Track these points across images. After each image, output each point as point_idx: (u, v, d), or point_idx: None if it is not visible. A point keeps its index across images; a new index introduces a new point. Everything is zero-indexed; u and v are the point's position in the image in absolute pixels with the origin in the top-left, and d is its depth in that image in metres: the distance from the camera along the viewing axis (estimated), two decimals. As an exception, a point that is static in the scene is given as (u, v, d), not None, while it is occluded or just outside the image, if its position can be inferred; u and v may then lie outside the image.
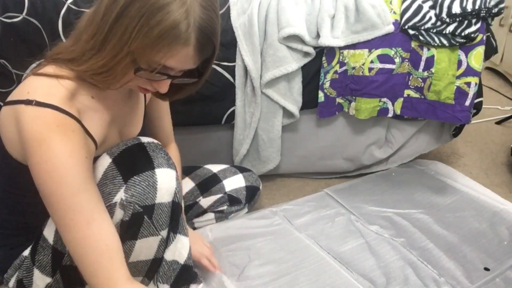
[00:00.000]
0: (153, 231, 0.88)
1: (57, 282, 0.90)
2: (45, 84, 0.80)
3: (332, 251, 1.24)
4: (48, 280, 0.90)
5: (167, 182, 0.86)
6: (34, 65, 1.34)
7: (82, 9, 1.30)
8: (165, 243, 0.93)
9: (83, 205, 0.77)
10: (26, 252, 0.91)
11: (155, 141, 0.90)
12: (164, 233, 0.91)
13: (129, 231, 0.86)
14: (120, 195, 0.83)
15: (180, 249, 0.96)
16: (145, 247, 0.90)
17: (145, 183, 0.84)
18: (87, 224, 0.77)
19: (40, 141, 0.74)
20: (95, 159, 0.86)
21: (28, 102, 0.77)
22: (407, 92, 1.46)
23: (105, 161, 0.85)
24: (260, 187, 1.39)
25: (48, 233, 0.88)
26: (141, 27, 0.73)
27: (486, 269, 1.17)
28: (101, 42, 0.77)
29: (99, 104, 0.88)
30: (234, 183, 1.32)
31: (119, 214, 0.84)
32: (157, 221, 0.88)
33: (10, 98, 0.81)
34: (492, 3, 1.35)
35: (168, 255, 0.95)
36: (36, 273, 0.90)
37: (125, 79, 0.80)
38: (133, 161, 0.85)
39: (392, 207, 1.43)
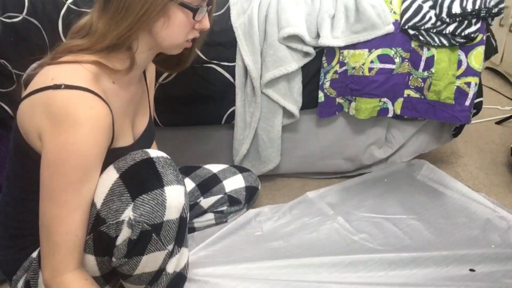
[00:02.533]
0: (160, 246, 0.87)
1: None
2: (69, 69, 0.81)
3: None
4: None
5: (176, 199, 0.85)
6: (34, 65, 1.35)
7: (82, 9, 1.30)
8: (170, 255, 0.92)
9: (82, 192, 0.80)
10: (35, 254, 0.90)
11: (164, 155, 0.88)
12: (170, 247, 0.90)
13: (136, 248, 0.85)
14: (128, 214, 0.81)
15: (179, 260, 0.96)
16: (151, 261, 0.89)
17: (154, 201, 0.82)
18: (75, 209, 0.80)
19: (73, 123, 0.75)
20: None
21: (56, 87, 0.77)
22: (407, 92, 1.46)
23: (113, 176, 0.83)
24: (259, 187, 1.39)
25: None
26: None
27: (472, 270, 1.16)
28: (127, 7, 0.81)
29: (119, 88, 0.89)
30: (234, 183, 1.32)
31: (126, 232, 0.82)
32: (164, 237, 0.86)
33: (30, 89, 0.80)
34: (492, 3, 1.35)
35: (170, 268, 0.94)
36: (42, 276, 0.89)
37: (175, 35, 0.88)
38: (141, 178, 0.83)
39: (383, 213, 1.42)
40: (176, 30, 0.89)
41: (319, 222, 1.37)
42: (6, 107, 1.42)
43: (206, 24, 0.92)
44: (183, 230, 0.92)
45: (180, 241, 0.93)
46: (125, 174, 0.82)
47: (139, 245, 0.84)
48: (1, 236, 0.93)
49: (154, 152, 0.87)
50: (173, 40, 0.90)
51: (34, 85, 0.81)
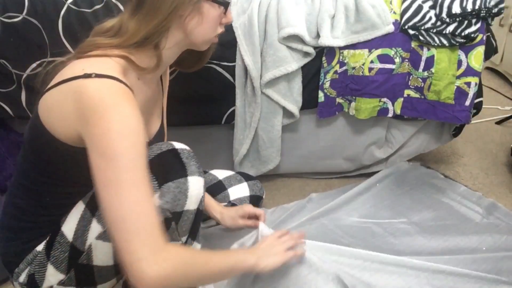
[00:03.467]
0: (176, 237, 0.90)
1: (70, 280, 0.91)
2: (98, 61, 0.82)
3: None
4: (61, 276, 0.90)
5: (196, 190, 0.89)
6: (34, 64, 1.35)
7: (82, 9, 1.30)
8: None
9: (143, 167, 0.76)
10: (40, 247, 0.91)
11: (187, 148, 0.92)
12: (184, 239, 0.92)
13: None
14: (156, 200, 0.84)
15: None
16: None
17: (177, 189, 0.86)
18: (144, 186, 0.75)
19: (111, 104, 0.75)
20: None
21: (87, 76, 0.77)
22: (407, 92, 1.46)
23: None
24: (263, 196, 1.39)
25: (68, 229, 0.88)
26: None
27: None
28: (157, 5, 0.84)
29: (142, 86, 0.92)
30: (239, 192, 1.33)
31: None
32: (181, 227, 0.89)
33: (57, 80, 0.81)
34: (492, 3, 1.35)
35: None
36: (50, 268, 0.90)
37: (207, 31, 0.93)
38: (167, 167, 0.86)
39: (373, 218, 1.41)
40: (208, 26, 0.93)
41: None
42: (6, 107, 1.42)
43: (230, 17, 0.97)
44: (197, 223, 0.94)
45: (193, 234, 0.95)
46: (152, 163, 0.84)
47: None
48: (6, 227, 0.93)
49: (178, 144, 0.92)
50: (206, 36, 0.94)
51: (61, 76, 0.81)
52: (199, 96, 1.41)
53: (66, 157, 0.83)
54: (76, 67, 0.81)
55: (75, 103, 0.77)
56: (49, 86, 0.83)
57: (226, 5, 0.93)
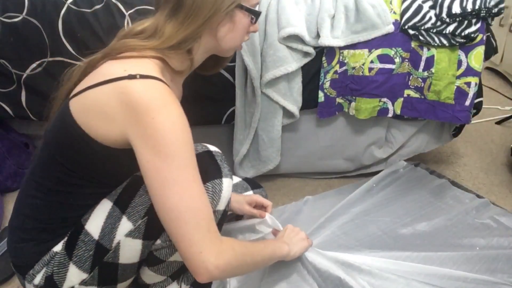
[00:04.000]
0: None
1: (92, 279, 0.90)
2: (138, 62, 0.83)
3: None
4: (84, 276, 0.90)
5: (228, 191, 0.92)
6: (34, 64, 1.35)
7: (82, 9, 1.30)
8: None
9: (195, 165, 0.80)
10: (58, 248, 0.90)
11: (219, 150, 0.97)
12: None
13: None
14: None
15: None
16: None
17: (213, 190, 0.89)
18: (200, 182, 0.80)
19: (161, 106, 0.77)
20: None
21: (131, 77, 0.78)
22: (407, 92, 1.46)
23: None
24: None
25: (93, 227, 0.88)
26: None
27: None
28: (195, 13, 0.86)
29: (174, 88, 0.94)
30: None
31: None
32: None
33: (95, 81, 0.81)
34: (492, 3, 1.35)
35: None
36: (72, 268, 0.89)
37: (235, 39, 0.95)
38: (205, 168, 0.87)
39: (371, 220, 1.42)
40: (238, 34, 0.96)
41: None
42: (6, 107, 1.42)
43: (257, 26, 1.00)
44: (221, 224, 0.96)
45: None
46: None
47: None
48: (20, 228, 0.92)
49: (211, 147, 0.97)
50: (234, 43, 0.98)
51: (101, 76, 0.81)
52: (199, 96, 1.41)
53: (102, 159, 0.84)
54: (116, 67, 0.81)
55: (122, 104, 0.77)
56: (83, 86, 0.82)
57: (257, 15, 0.96)
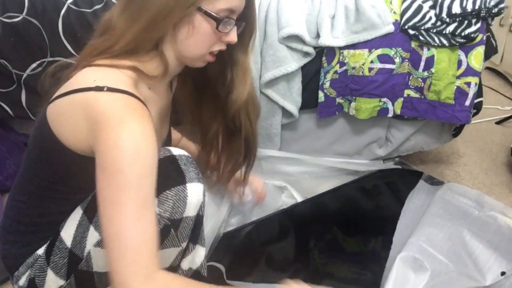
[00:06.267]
0: (176, 243, 0.89)
1: (70, 285, 0.90)
2: (109, 73, 0.80)
3: None
4: (61, 282, 0.89)
5: (196, 196, 0.87)
6: (34, 64, 1.35)
7: (82, 9, 1.30)
8: (183, 253, 0.93)
9: (145, 188, 0.74)
10: (41, 251, 0.90)
11: (186, 153, 0.90)
12: (184, 244, 0.91)
13: None
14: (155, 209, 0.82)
15: (195, 258, 0.97)
16: (165, 257, 0.90)
17: (176, 197, 0.84)
18: (143, 207, 0.73)
19: (120, 121, 0.73)
20: None
21: (98, 89, 0.76)
22: (407, 92, 1.46)
23: None
24: None
25: (67, 235, 0.87)
26: None
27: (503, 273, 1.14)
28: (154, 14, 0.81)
29: (154, 95, 0.90)
30: None
31: None
32: (181, 233, 0.88)
33: (68, 88, 0.79)
34: (492, 3, 1.34)
35: (185, 264, 0.95)
36: (50, 274, 0.89)
37: (196, 45, 0.87)
38: (164, 175, 0.83)
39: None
40: (200, 40, 0.87)
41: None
42: (6, 107, 1.42)
43: (232, 37, 0.90)
44: (198, 228, 0.94)
45: (195, 239, 0.95)
46: None
47: (158, 239, 0.84)
48: (8, 231, 0.92)
49: (176, 150, 0.89)
50: (196, 51, 0.89)
51: (72, 85, 0.80)
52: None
53: (74, 165, 0.82)
54: (87, 77, 0.79)
55: (87, 116, 0.76)
56: (59, 93, 0.81)
57: (218, 21, 0.85)
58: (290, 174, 1.54)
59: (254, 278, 1.17)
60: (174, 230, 0.86)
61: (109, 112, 0.74)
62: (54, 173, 0.85)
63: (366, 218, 1.44)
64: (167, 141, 1.08)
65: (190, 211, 0.87)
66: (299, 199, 1.47)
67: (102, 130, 0.73)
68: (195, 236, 0.94)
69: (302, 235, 1.34)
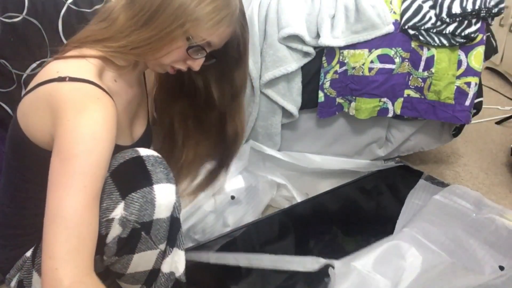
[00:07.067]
0: (151, 245, 0.86)
1: None
2: (74, 63, 0.80)
3: None
4: None
5: (165, 198, 0.84)
6: (34, 64, 1.35)
7: (82, 9, 1.30)
8: (163, 255, 0.91)
9: (98, 179, 0.75)
10: (29, 253, 0.90)
11: (155, 153, 0.87)
12: (162, 246, 0.89)
13: (126, 247, 0.84)
14: (119, 212, 0.80)
15: (176, 262, 0.94)
16: (144, 260, 0.88)
17: (143, 199, 0.81)
18: (95, 199, 0.74)
19: (81, 109, 0.73)
20: None
21: (60, 79, 0.76)
22: (407, 92, 1.46)
23: None
24: None
25: None
26: (199, 2, 0.81)
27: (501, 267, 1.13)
28: (148, 17, 0.81)
29: (120, 87, 0.90)
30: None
31: (117, 230, 0.82)
32: (155, 236, 0.85)
33: (34, 84, 0.80)
34: (492, 3, 1.35)
35: (165, 268, 0.92)
36: (35, 276, 0.88)
37: (162, 53, 0.86)
38: (130, 176, 0.82)
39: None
40: (169, 50, 0.86)
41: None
42: (6, 107, 1.42)
43: (196, 65, 0.91)
44: (175, 230, 0.90)
45: (172, 241, 0.92)
46: (115, 172, 0.81)
47: (129, 243, 0.84)
48: None
49: (144, 151, 0.86)
50: (160, 57, 0.88)
51: (38, 79, 0.80)
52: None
53: (44, 162, 0.78)
54: (51, 69, 0.79)
55: (50, 107, 0.76)
56: (27, 89, 0.81)
57: (193, 47, 0.86)
58: (290, 173, 1.54)
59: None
60: (145, 233, 0.84)
61: (70, 101, 0.74)
62: (27, 172, 0.84)
63: (366, 218, 1.44)
64: (144, 139, 1.04)
65: (161, 213, 0.84)
66: (299, 198, 1.47)
67: (62, 117, 0.73)
68: (173, 239, 0.91)
69: (302, 235, 1.34)
